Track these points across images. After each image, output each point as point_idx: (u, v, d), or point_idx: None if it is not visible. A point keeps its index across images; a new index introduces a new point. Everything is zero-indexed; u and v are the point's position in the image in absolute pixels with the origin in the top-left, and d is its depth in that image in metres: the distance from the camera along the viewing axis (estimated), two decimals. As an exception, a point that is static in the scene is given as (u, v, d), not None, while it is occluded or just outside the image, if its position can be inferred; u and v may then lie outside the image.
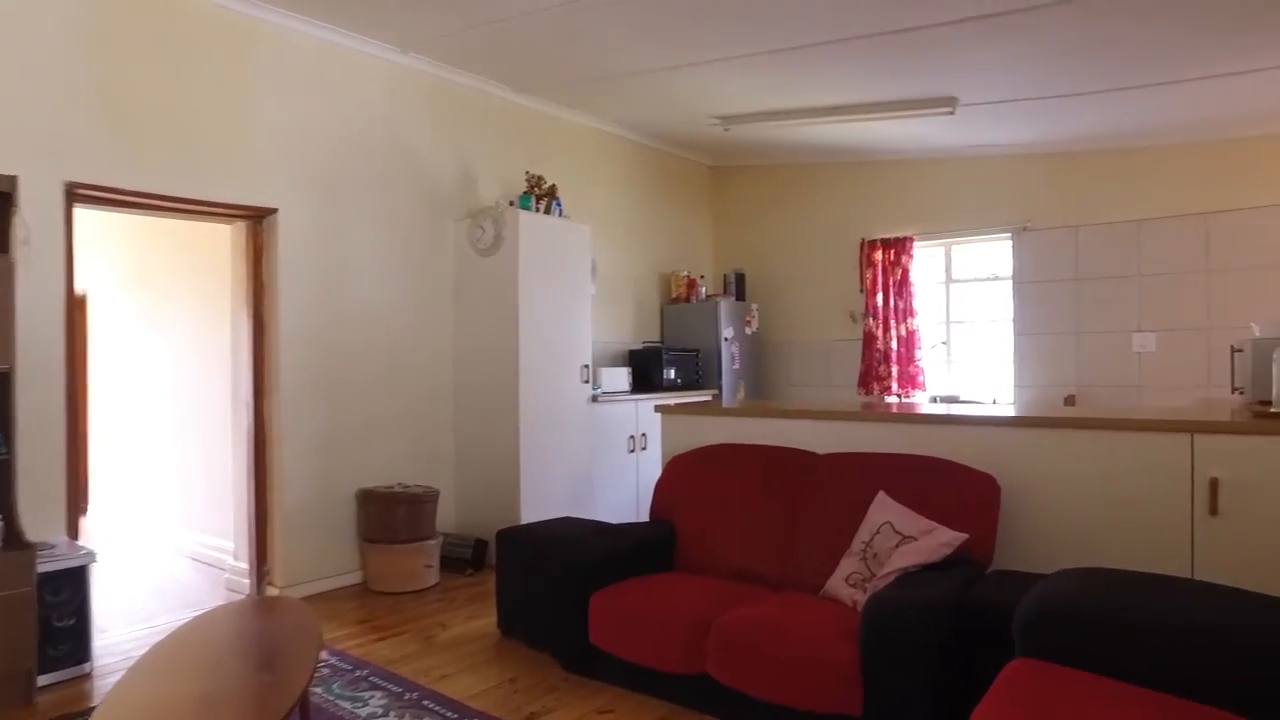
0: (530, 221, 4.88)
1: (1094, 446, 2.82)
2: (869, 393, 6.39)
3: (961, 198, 6.07)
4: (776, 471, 3.33)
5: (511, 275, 4.81)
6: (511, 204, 5.02)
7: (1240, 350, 3.54)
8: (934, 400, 5.95)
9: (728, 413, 3.79)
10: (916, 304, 6.23)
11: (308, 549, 4.34)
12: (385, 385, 4.72)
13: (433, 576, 4.51)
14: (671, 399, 5.84)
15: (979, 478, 2.89)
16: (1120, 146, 5.46)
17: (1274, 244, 5.01)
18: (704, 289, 6.70)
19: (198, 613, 2.87)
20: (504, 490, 4.84)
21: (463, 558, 4.81)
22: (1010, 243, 5.94)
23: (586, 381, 5.16)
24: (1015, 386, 5.88)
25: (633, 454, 5.56)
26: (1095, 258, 5.57)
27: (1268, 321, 3.67)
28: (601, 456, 5.31)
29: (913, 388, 6.24)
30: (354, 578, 4.54)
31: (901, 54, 4.18)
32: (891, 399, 6.33)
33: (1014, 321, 5.89)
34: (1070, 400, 5.53)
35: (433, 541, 4.52)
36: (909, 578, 2.52)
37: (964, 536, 2.60)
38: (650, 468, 5.67)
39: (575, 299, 5.12)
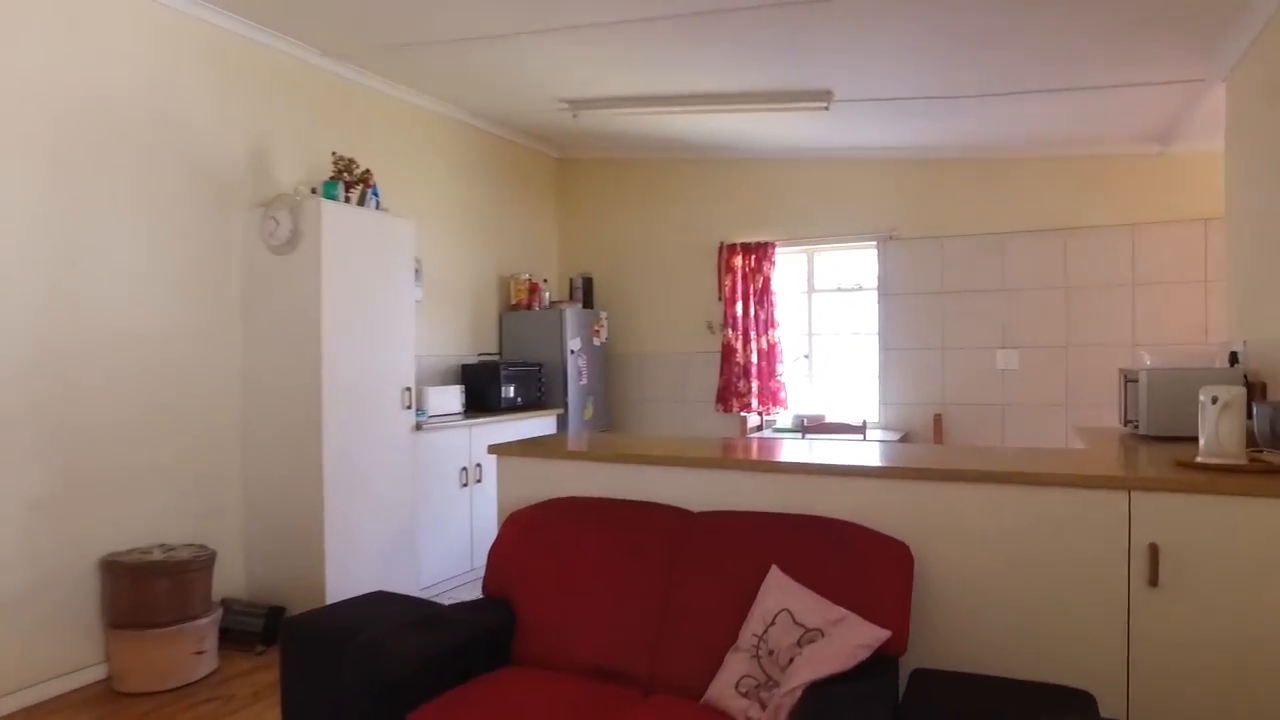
0: (337, 214, 3.97)
1: (1017, 504, 2.38)
2: (727, 409, 5.92)
3: (827, 202, 5.72)
4: (642, 536, 2.68)
5: (313, 279, 3.89)
6: (314, 192, 4.08)
7: (1134, 380, 3.28)
8: (799, 421, 5.56)
9: (579, 456, 3.10)
10: (779, 314, 5.82)
11: (19, 642, 3.24)
12: (146, 424, 3.66)
13: (207, 664, 3.53)
14: (510, 424, 5.10)
15: (889, 546, 2.37)
16: (986, 156, 5.26)
17: (1124, 263, 4.95)
18: (548, 295, 5.98)
19: None
20: (305, 544, 3.92)
21: (252, 631, 3.85)
22: (876, 251, 5.64)
23: (409, 407, 4.32)
24: (881, 404, 5.59)
25: (465, 488, 4.76)
26: (961, 270, 5.36)
27: (1159, 349, 3.46)
28: (428, 495, 4.48)
29: (774, 405, 5.83)
30: (95, 673, 3.48)
31: (772, 33, 3.66)
32: (753, 417, 5.89)
33: (879, 335, 5.60)
34: (938, 420, 5.28)
35: (206, 620, 3.54)
36: (822, 696, 1.94)
37: (886, 634, 2.06)
38: (486, 505, 4.90)
39: (395, 307, 4.26)
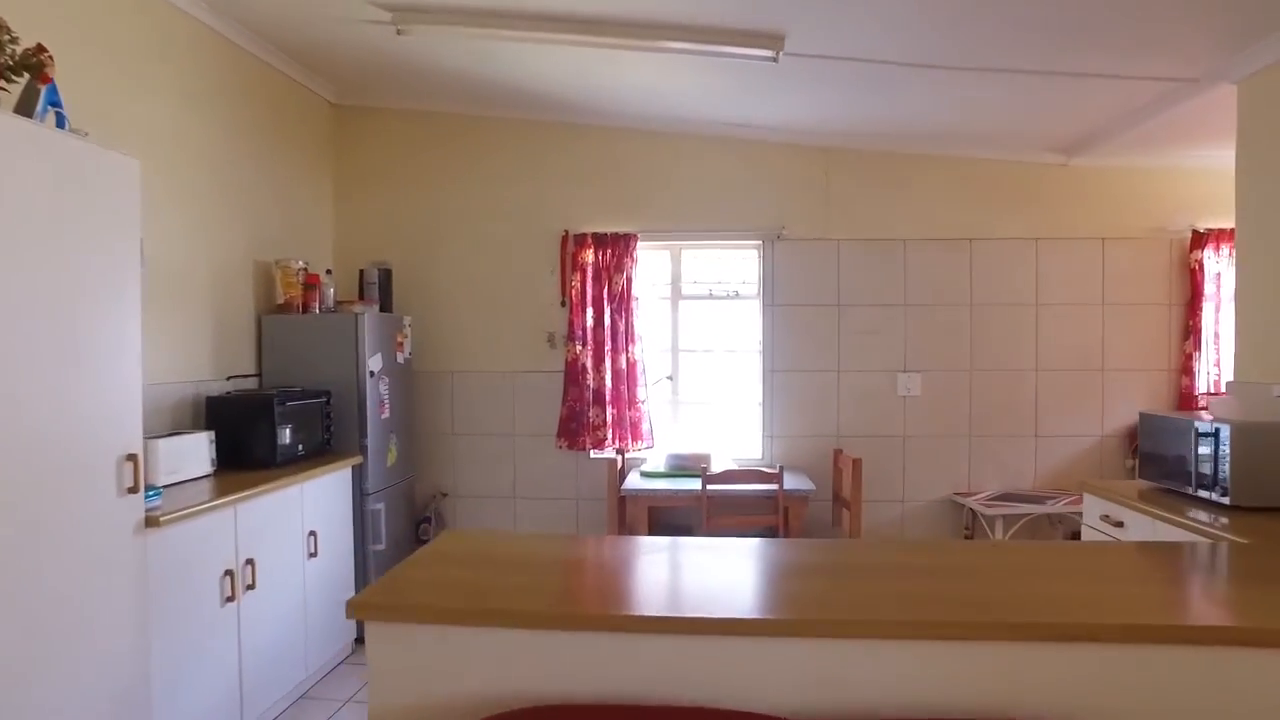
0: (-15, 128, 2.04)
1: (1181, 674, 1.45)
2: (573, 446, 4.61)
3: (703, 189, 4.64)
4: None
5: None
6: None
7: (1209, 434, 2.61)
8: (677, 463, 4.42)
9: (528, 620, 1.64)
10: (640, 325, 4.63)
11: None
12: None
13: None
14: (296, 491, 3.39)
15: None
16: (891, 150, 4.55)
17: (1027, 280, 4.51)
18: (331, 292, 4.21)
19: None
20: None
21: None
22: (760, 253, 4.69)
23: (134, 489, 2.45)
24: (765, 437, 4.65)
25: (231, 604, 2.94)
26: (859, 280, 4.59)
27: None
28: (169, 627, 2.62)
29: (635, 440, 4.63)
30: None
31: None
32: (605, 455, 4.64)
33: (764, 353, 4.65)
34: (839, 455, 4.46)
35: None
36: None
37: None
38: (263, 625, 3.12)
39: (106, 308, 2.37)
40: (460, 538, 2.13)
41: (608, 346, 4.61)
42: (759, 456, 4.65)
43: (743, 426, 4.76)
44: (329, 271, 4.24)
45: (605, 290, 4.61)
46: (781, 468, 3.94)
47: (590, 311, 4.63)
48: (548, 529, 4.71)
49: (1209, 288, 4.37)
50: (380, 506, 4.07)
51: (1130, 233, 4.48)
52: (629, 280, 4.61)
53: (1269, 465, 2.60)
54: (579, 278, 4.63)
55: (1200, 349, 4.37)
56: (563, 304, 4.68)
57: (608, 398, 4.62)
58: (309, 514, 3.50)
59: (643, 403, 4.64)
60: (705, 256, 4.81)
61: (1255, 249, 3.12)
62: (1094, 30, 3.00)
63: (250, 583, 3.02)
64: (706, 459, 4.39)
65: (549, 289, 4.70)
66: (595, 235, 4.61)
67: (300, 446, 3.61)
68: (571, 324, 4.63)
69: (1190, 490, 2.74)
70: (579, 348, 4.63)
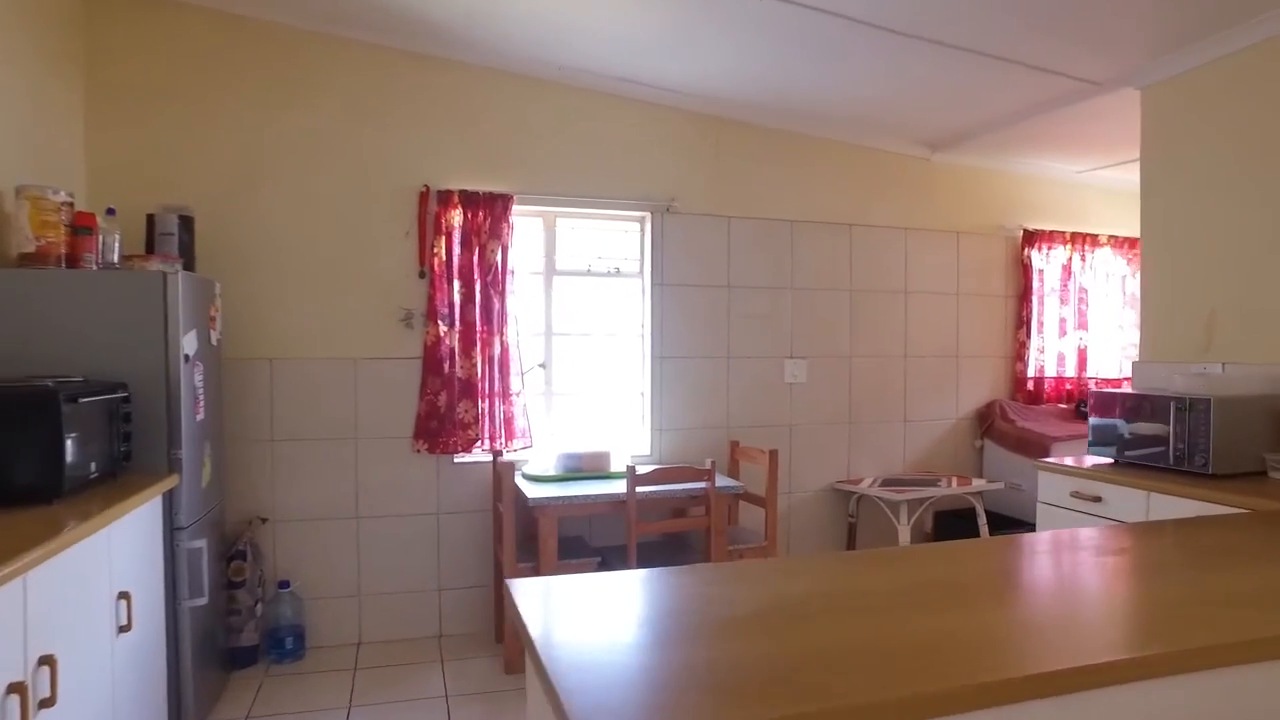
0: None
1: None
2: (436, 449, 3.78)
3: (588, 149, 4.05)
4: None
5: None
6: None
7: (1186, 408, 2.73)
8: (573, 464, 3.78)
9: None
10: (514, 304, 3.93)
11: None
12: None
13: None
14: (88, 549, 2.31)
15: None
16: (783, 127, 4.35)
17: (898, 268, 4.61)
18: (117, 243, 2.92)
19: None
20: None
21: None
22: (647, 226, 4.22)
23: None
24: (654, 430, 4.20)
25: (37, 726, 1.79)
26: (749, 260, 4.33)
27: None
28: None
29: (510, 439, 3.91)
30: None
31: None
32: (473, 458, 3.87)
33: (652, 339, 4.19)
34: (735, 448, 4.16)
35: None
36: None
37: None
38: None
39: None
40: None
41: (480, 329, 3.84)
42: (647, 453, 4.19)
43: (626, 420, 4.27)
44: (112, 211, 2.94)
45: (476, 260, 3.83)
46: (713, 463, 3.53)
47: (458, 285, 3.82)
48: (402, 555, 3.79)
49: (1035, 282, 4.82)
50: (200, 544, 2.91)
51: (977, 228, 4.79)
52: (505, 249, 3.87)
53: (1243, 435, 2.78)
54: (443, 244, 3.79)
55: (1030, 337, 4.80)
56: (422, 275, 3.80)
57: (480, 390, 3.84)
58: (118, 569, 2.34)
59: (518, 395, 3.93)
60: (583, 228, 4.23)
61: (1157, 244, 3.40)
62: (1032, 14, 3.02)
63: (48, 696, 1.88)
64: (605, 458, 3.83)
65: (404, 256, 3.79)
66: (464, 194, 3.80)
67: (93, 466, 2.42)
68: (433, 300, 3.77)
69: (1169, 464, 2.86)
70: (443, 329, 3.79)
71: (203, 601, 2.91)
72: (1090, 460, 3.14)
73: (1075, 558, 1.73)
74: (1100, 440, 3.13)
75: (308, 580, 3.67)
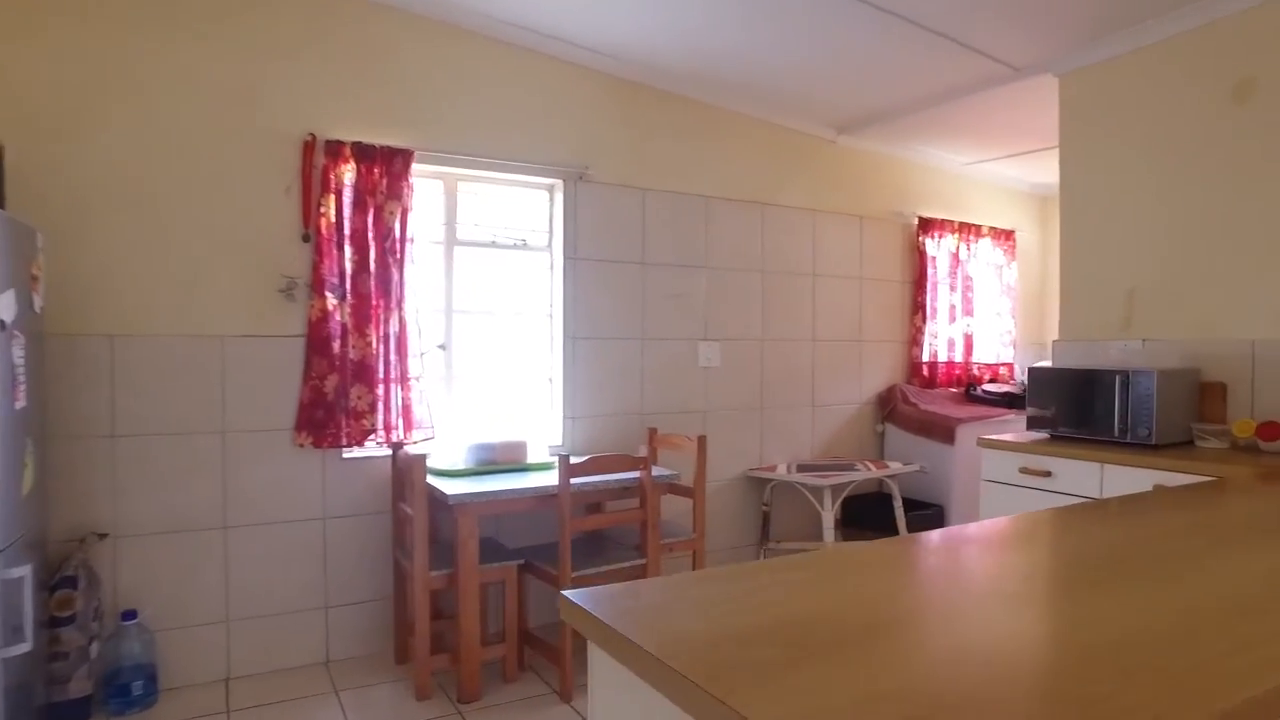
0: None
1: None
2: (320, 442, 3.23)
3: (496, 106, 3.63)
4: None
5: None
6: None
7: (1130, 382, 2.78)
8: (485, 455, 3.35)
9: None
10: (414, 275, 3.44)
11: None
12: None
13: None
14: None
15: None
16: (700, 99, 4.12)
17: (807, 251, 4.54)
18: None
19: None
20: None
21: None
22: (558, 195, 3.85)
23: None
24: (566, 419, 3.84)
25: None
26: (664, 236, 4.07)
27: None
28: None
29: (409, 429, 3.42)
30: None
31: None
32: (366, 452, 3.36)
33: (564, 318, 3.83)
34: (654, 435, 3.89)
35: None
36: None
37: None
38: None
39: None
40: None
41: (375, 302, 3.32)
42: (559, 442, 3.82)
43: (534, 407, 3.88)
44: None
45: (371, 223, 3.31)
46: (649, 450, 3.23)
47: (350, 251, 3.28)
48: (280, 569, 3.20)
49: (930, 269, 4.92)
50: (22, 573, 2.25)
51: (878, 214, 4.81)
52: (405, 213, 3.38)
53: (1174, 407, 2.87)
54: (332, 203, 3.24)
55: (925, 323, 4.89)
56: (306, 239, 3.23)
57: (377, 374, 3.32)
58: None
59: (417, 379, 3.45)
60: (488, 194, 3.79)
61: (1076, 226, 3.50)
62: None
63: None
64: (522, 448, 3.43)
65: (285, 215, 3.20)
66: (359, 147, 3.27)
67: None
68: (320, 268, 3.22)
69: (1114, 436, 2.90)
70: (332, 302, 3.24)
71: (25, 648, 2.24)
72: (1031, 437, 3.16)
73: None
74: (1040, 417, 3.15)
75: (160, 608, 2.99)
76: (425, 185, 3.60)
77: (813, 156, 4.56)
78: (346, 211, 3.27)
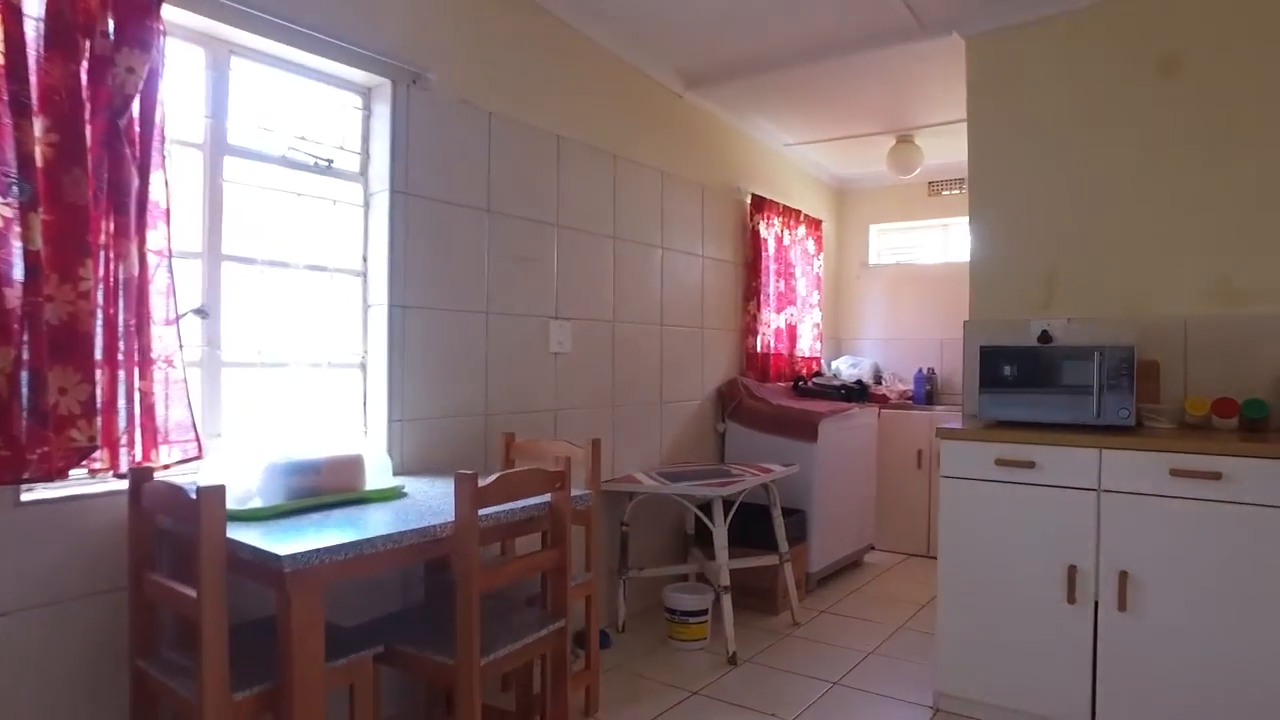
0: None
1: None
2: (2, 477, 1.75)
3: (310, -56, 2.37)
4: None
5: None
6: None
7: (1105, 359, 2.53)
8: (295, 480, 2.08)
9: None
10: (164, 188, 2.06)
11: None
12: None
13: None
14: None
15: None
16: (550, 7, 3.19)
17: (654, 216, 3.82)
18: None
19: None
20: None
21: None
22: (383, 101, 2.66)
23: None
24: (391, 421, 2.65)
25: None
26: (513, 178, 3.08)
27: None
28: None
29: (156, 445, 2.03)
30: None
31: None
32: (78, 486, 1.94)
33: (389, 278, 2.65)
34: (510, 441, 2.86)
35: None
36: None
37: None
38: None
39: None
40: None
41: (97, 223, 1.90)
42: (382, 457, 2.61)
43: (341, 404, 2.64)
44: None
45: (87, 78, 1.88)
46: (569, 461, 2.25)
47: (42, 122, 1.82)
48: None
49: (764, 252, 4.49)
50: None
51: (716, 185, 4.26)
52: (155, 77, 1.99)
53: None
54: (0, 22, 1.77)
55: (760, 310, 4.44)
56: (-49, 89, 1.71)
57: (96, 348, 1.89)
58: None
59: (171, 360, 2.07)
60: (277, 83, 2.48)
61: (984, 198, 3.25)
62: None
63: None
64: (357, 469, 2.22)
65: (-101, 35, 1.65)
66: (63, -58, 1.84)
67: None
68: (-18, 149, 1.73)
69: (1094, 419, 2.62)
70: (7, 210, 1.77)
71: None
72: (994, 420, 2.80)
73: None
74: (999, 402, 2.79)
75: None
76: (180, 50, 2.22)
77: (661, 109, 3.88)
78: (35, 44, 1.82)
